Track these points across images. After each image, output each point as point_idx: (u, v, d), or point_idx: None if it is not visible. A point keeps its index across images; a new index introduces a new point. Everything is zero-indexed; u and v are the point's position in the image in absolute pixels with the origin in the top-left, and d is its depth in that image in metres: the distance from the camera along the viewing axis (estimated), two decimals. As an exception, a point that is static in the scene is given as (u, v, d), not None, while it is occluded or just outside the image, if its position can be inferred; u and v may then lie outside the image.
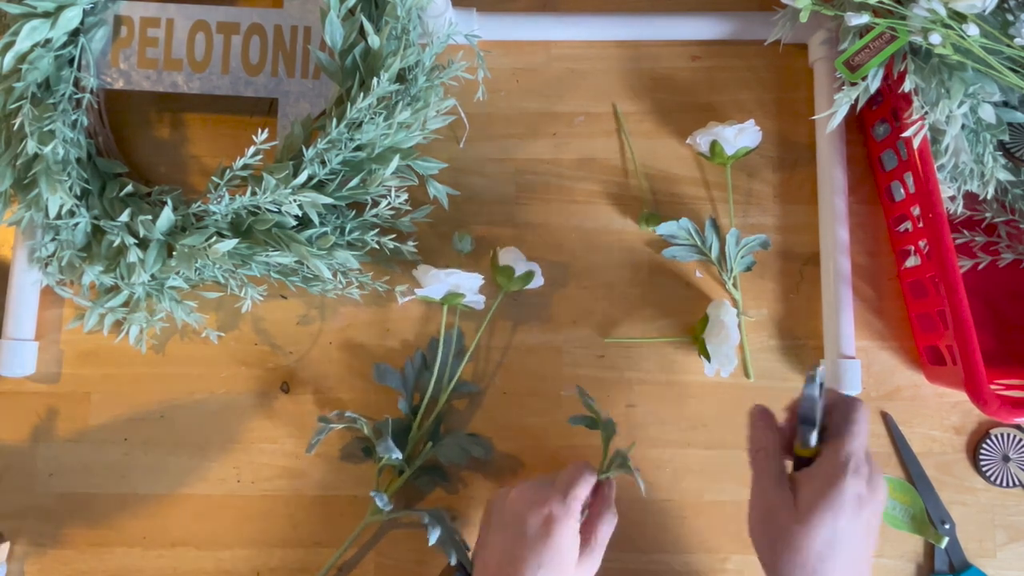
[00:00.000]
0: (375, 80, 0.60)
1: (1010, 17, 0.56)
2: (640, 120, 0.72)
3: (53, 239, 0.65)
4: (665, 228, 0.68)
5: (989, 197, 0.63)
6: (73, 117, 0.64)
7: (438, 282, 0.64)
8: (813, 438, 0.51)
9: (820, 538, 0.47)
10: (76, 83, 0.65)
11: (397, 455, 0.62)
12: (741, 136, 0.66)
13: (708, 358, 0.64)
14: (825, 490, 0.48)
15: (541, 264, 0.70)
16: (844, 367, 0.64)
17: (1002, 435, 0.66)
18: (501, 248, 0.67)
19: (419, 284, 0.66)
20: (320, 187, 0.62)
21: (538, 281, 0.67)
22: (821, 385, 0.50)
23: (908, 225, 0.67)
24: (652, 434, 0.67)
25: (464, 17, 0.69)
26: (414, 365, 0.67)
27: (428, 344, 0.68)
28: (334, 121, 0.61)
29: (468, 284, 0.64)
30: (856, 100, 0.61)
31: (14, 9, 0.61)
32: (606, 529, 0.56)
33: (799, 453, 0.52)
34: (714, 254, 0.68)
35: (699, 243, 0.68)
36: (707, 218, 0.69)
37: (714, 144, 0.67)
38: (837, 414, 0.51)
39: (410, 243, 0.66)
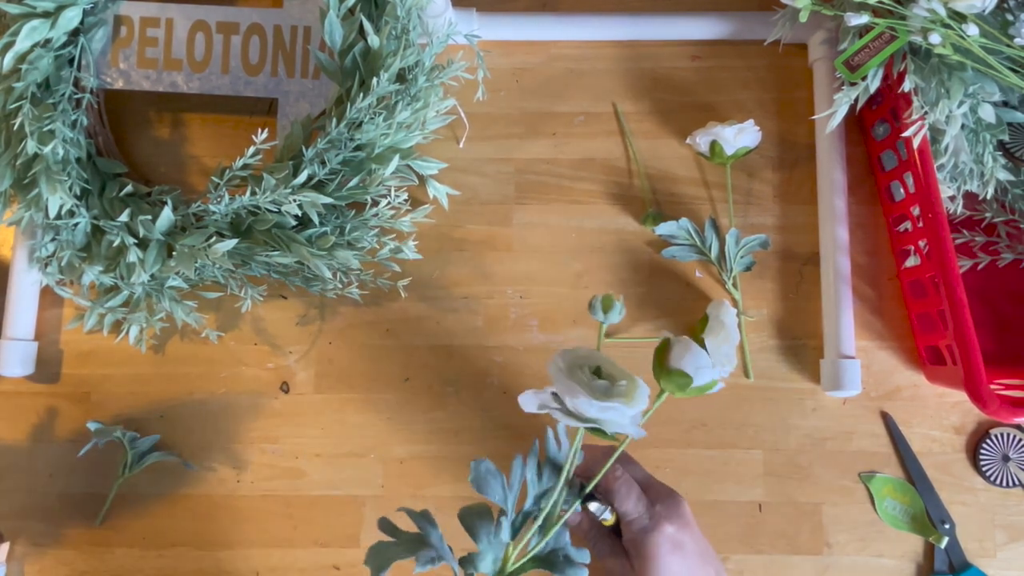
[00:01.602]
0: (375, 80, 0.60)
1: (1010, 17, 0.56)
2: (640, 120, 0.72)
3: (53, 239, 0.65)
4: (665, 228, 0.68)
5: (989, 197, 0.63)
6: (73, 117, 0.64)
7: (587, 412, 0.44)
8: (607, 515, 0.53)
9: None
10: (76, 83, 0.65)
11: None
12: (741, 136, 0.66)
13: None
14: (645, 559, 0.51)
15: (541, 264, 0.70)
16: (844, 367, 0.64)
17: (1002, 435, 0.66)
18: (677, 338, 0.48)
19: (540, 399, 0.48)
20: (320, 187, 0.62)
21: (718, 386, 0.49)
22: (580, 490, 0.52)
23: (908, 225, 0.67)
24: (652, 434, 0.67)
25: (464, 17, 0.69)
26: (522, 471, 0.49)
27: (536, 446, 0.51)
28: (334, 121, 0.61)
29: (626, 416, 0.45)
30: (856, 100, 0.61)
31: (14, 9, 0.61)
32: None
33: (607, 525, 0.54)
34: (714, 254, 0.68)
35: (699, 243, 0.68)
36: (707, 218, 0.69)
37: (714, 144, 0.67)
38: (602, 481, 0.54)
39: (410, 243, 0.66)
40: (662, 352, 0.48)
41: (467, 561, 0.46)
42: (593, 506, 0.53)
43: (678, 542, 0.52)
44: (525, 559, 0.48)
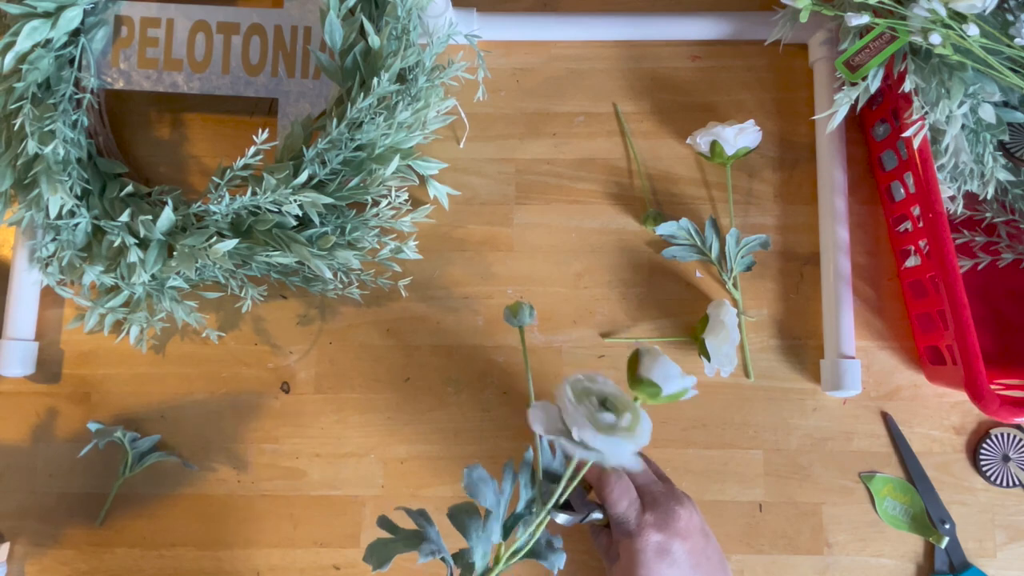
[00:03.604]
0: (375, 80, 0.60)
1: (1010, 17, 0.56)
2: (640, 120, 0.72)
3: (53, 239, 0.65)
4: (665, 228, 0.68)
5: (989, 197, 0.63)
6: (73, 117, 0.64)
7: (592, 443, 0.45)
8: (597, 516, 0.55)
9: None
10: (76, 83, 0.66)
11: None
12: (741, 136, 0.66)
13: (708, 358, 0.65)
14: (626, 564, 0.52)
15: (541, 264, 0.70)
16: (844, 367, 0.64)
17: (1002, 435, 0.66)
18: (646, 349, 0.49)
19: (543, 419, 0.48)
20: (320, 187, 0.62)
21: (689, 394, 0.50)
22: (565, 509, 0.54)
23: (908, 225, 0.67)
24: (652, 434, 0.67)
25: (464, 17, 0.69)
26: (513, 478, 0.51)
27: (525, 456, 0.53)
28: (334, 121, 0.61)
29: (627, 450, 0.46)
30: (856, 100, 0.61)
31: (14, 9, 0.61)
32: None
33: (600, 524, 0.56)
34: (714, 254, 0.68)
35: (699, 243, 0.68)
36: (707, 218, 0.69)
37: (714, 144, 0.67)
38: (596, 483, 0.56)
39: (411, 243, 0.66)
40: (633, 363, 0.49)
41: (459, 557, 0.48)
42: (561, 518, 0.53)
43: (664, 550, 0.52)
44: (510, 552, 0.50)
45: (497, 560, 0.49)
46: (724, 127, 0.66)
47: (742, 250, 0.68)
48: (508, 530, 0.50)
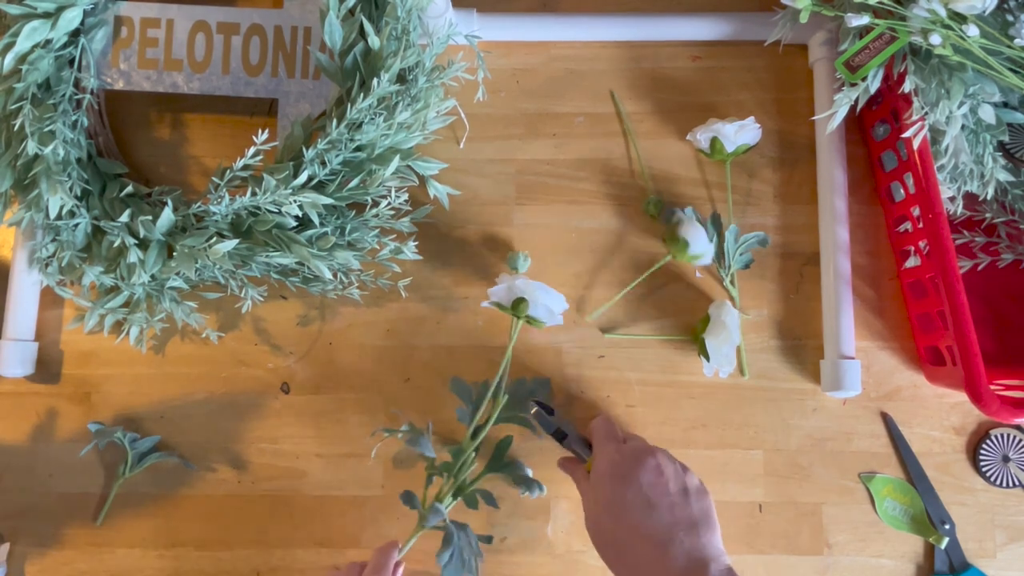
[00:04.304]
0: (375, 81, 0.60)
1: (1010, 18, 0.56)
2: (640, 120, 0.72)
3: (53, 240, 0.65)
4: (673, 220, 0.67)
5: (989, 198, 0.63)
6: (73, 118, 0.64)
7: (504, 287, 0.62)
8: (570, 436, 0.62)
9: (613, 498, 0.55)
10: (76, 84, 0.65)
11: (431, 454, 0.62)
12: (741, 133, 0.66)
13: (708, 358, 0.65)
14: (604, 467, 0.56)
15: (540, 263, 0.70)
16: (844, 367, 0.64)
17: (1002, 435, 0.66)
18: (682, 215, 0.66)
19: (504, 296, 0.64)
20: (320, 187, 0.62)
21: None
22: (546, 412, 0.62)
23: (908, 225, 0.67)
24: (652, 434, 0.67)
25: (464, 17, 0.69)
26: (488, 388, 0.64)
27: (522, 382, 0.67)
28: (334, 122, 0.61)
29: (551, 297, 0.62)
30: (856, 101, 0.61)
31: (14, 10, 0.61)
32: None
33: (588, 468, 0.60)
34: (714, 252, 0.68)
35: (699, 243, 0.68)
36: (708, 216, 0.69)
37: (714, 141, 0.67)
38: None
39: (410, 243, 0.66)
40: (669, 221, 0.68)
41: (447, 467, 0.62)
42: (534, 407, 0.62)
43: (617, 436, 0.58)
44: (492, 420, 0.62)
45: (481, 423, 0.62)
46: (724, 124, 0.66)
47: (740, 247, 0.68)
48: (480, 430, 0.62)
